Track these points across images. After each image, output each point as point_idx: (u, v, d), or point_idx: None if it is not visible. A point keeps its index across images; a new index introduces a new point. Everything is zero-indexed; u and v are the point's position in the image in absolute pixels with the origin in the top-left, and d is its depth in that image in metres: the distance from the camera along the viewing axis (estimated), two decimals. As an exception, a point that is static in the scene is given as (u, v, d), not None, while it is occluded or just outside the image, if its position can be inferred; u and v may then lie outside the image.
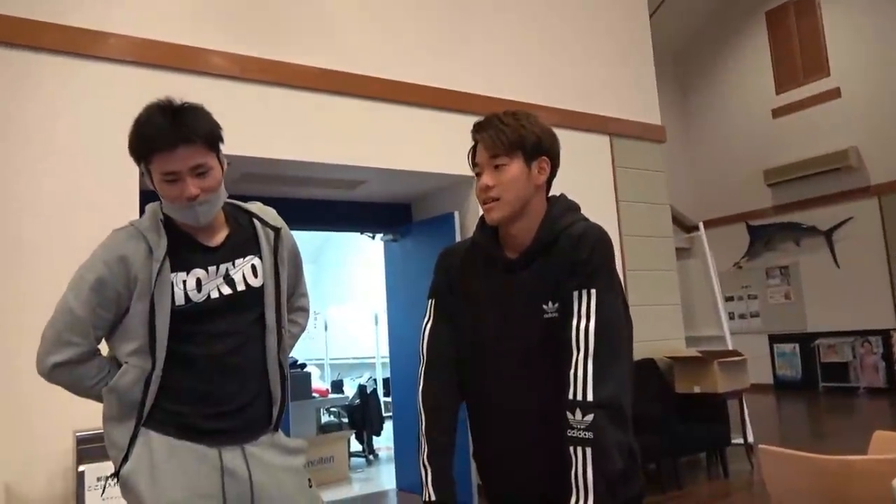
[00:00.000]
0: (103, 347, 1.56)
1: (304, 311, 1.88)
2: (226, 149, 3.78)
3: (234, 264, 1.58)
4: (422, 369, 1.50)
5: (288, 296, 1.77)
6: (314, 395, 6.32)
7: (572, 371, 1.30)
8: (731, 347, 5.51)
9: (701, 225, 6.23)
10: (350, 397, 6.95)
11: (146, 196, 3.35)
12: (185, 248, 1.54)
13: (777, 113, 9.39)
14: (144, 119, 1.47)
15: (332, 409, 6.92)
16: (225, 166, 1.57)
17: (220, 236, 1.60)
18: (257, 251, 1.62)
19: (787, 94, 9.26)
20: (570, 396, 1.29)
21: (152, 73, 3.45)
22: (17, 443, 2.89)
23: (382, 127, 4.15)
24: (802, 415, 7.66)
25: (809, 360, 8.97)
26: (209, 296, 1.54)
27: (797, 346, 9.13)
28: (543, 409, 1.36)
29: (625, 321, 1.39)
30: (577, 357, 1.30)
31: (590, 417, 1.26)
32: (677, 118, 10.10)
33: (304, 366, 6.52)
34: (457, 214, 4.67)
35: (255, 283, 1.60)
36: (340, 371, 9.38)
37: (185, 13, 3.62)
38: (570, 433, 1.28)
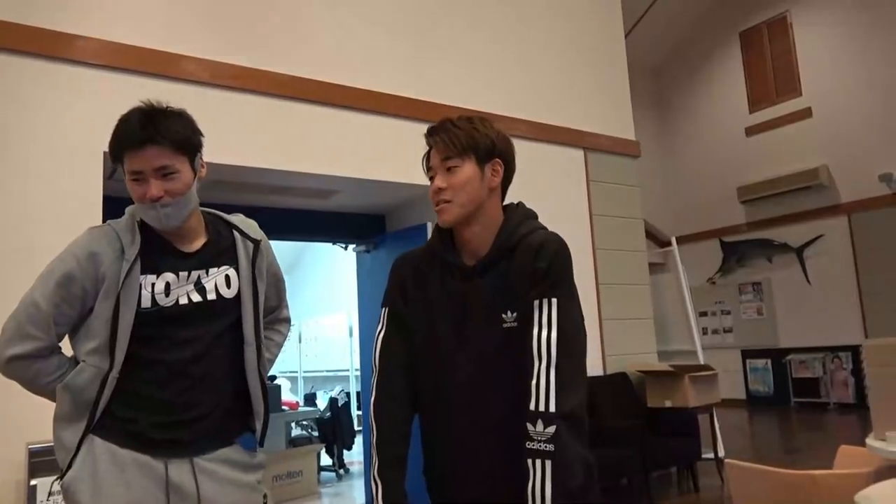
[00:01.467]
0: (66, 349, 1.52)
1: (287, 321, 1.86)
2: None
3: (207, 272, 1.56)
4: (374, 380, 1.46)
5: (271, 309, 1.76)
6: (284, 408, 6.22)
7: (534, 381, 1.27)
8: (702, 362, 5.53)
9: (674, 240, 6.28)
10: (321, 410, 6.86)
11: (109, 200, 3.29)
12: (159, 252, 1.52)
13: (750, 131, 9.54)
14: (123, 119, 1.48)
15: (302, 423, 6.81)
16: (199, 173, 1.54)
17: (197, 243, 1.58)
18: (234, 262, 1.60)
19: (761, 112, 9.42)
20: (532, 407, 1.26)
21: (124, 78, 3.39)
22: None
23: (355, 137, 4.12)
24: (774, 429, 7.72)
25: (781, 375, 9.05)
26: (177, 301, 1.51)
27: (769, 361, 9.22)
28: (501, 420, 1.33)
29: (583, 332, 1.37)
30: (539, 367, 1.28)
31: (552, 429, 1.23)
32: (653, 133, 10.22)
33: (273, 378, 6.42)
34: (430, 225, 4.64)
35: (227, 293, 1.57)
36: (314, 384, 9.26)
37: (158, 18, 3.57)
38: (529, 445, 1.24)
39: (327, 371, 9.48)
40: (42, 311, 1.45)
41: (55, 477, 1.49)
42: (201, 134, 1.56)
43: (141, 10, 3.53)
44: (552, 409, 1.24)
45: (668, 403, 4.80)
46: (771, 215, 9.24)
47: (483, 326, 1.37)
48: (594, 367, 4.95)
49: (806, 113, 8.92)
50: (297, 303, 9.71)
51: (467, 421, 1.37)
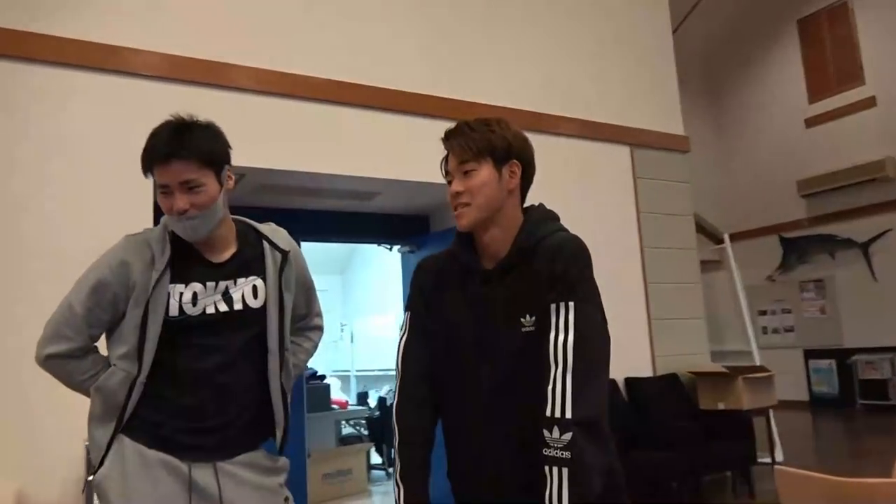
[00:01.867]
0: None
1: (319, 329, 1.89)
2: (241, 161, 3.79)
3: (235, 283, 1.59)
4: (397, 384, 1.47)
5: (301, 317, 1.79)
6: (333, 406, 6.30)
7: (550, 387, 1.25)
8: (758, 363, 5.35)
9: (726, 237, 6.09)
10: (371, 409, 6.93)
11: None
12: (189, 262, 1.57)
13: (810, 122, 9.16)
14: (153, 133, 1.53)
15: (352, 422, 6.90)
16: (227, 185, 1.58)
17: (226, 254, 1.62)
18: (262, 272, 1.63)
19: (821, 102, 9.03)
20: (548, 413, 1.24)
21: (175, 88, 3.50)
22: (30, 450, 2.93)
23: (397, 139, 4.15)
24: (839, 433, 7.39)
25: (846, 376, 8.66)
26: (204, 310, 1.55)
27: (833, 361, 8.82)
28: (520, 425, 1.32)
29: (604, 336, 1.34)
30: (556, 372, 1.25)
31: (568, 436, 1.21)
32: (706, 127, 9.92)
33: (323, 377, 6.52)
34: (473, 226, 4.64)
35: (253, 303, 1.60)
36: (367, 383, 9.36)
37: (205, 29, 3.67)
38: (546, 452, 1.22)
39: (378, 370, 9.57)
40: (76, 314, 1.52)
41: (88, 475, 1.55)
42: (229, 146, 1.60)
43: (189, 22, 3.64)
44: (568, 415, 1.22)
45: (721, 406, 4.66)
46: (833, 210, 8.84)
47: (502, 331, 1.36)
48: (643, 369, 4.85)
49: (870, 102, 8.50)
50: (349, 303, 9.89)
51: (487, 425, 1.36)
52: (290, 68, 3.84)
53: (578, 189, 4.77)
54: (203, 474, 1.53)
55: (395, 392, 1.47)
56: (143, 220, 3.30)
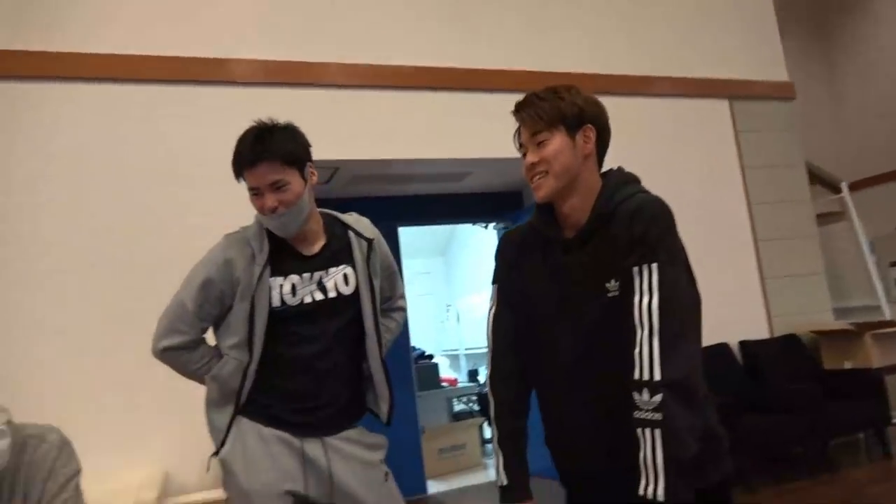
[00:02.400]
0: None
1: (402, 310, 1.99)
2: (335, 154, 3.94)
3: (327, 272, 1.71)
4: (489, 355, 1.51)
5: (385, 299, 1.88)
6: (443, 384, 6.48)
7: (637, 350, 1.24)
8: (888, 317, 4.97)
9: (844, 186, 5.67)
10: (482, 385, 7.06)
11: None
12: (285, 256, 1.69)
13: (938, 50, 8.27)
14: (239, 140, 1.67)
15: (464, 398, 7.06)
16: (310, 181, 1.69)
17: (316, 246, 1.73)
18: (350, 261, 1.74)
19: (952, 28, 8.12)
20: (636, 376, 1.23)
21: (270, 91, 3.69)
22: (172, 438, 3.23)
23: (483, 116, 4.16)
24: None
25: None
26: (302, 301, 1.67)
27: (982, 312, 8.01)
28: (608, 391, 1.32)
29: (691, 297, 1.32)
30: (641, 335, 1.24)
31: (658, 398, 1.20)
32: (817, 68, 9.18)
33: (431, 357, 6.71)
34: (567, 197, 4.59)
35: (345, 290, 1.72)
36: (476, 360, 9.52)
37: (295, 32, 3.82)
38: (637, 415, 1.22)
39: (486, 348, 9.70)
40: (188, 310, 1.68)
41: (211, 454, 1.73)
42: (309, 144, 1.71)
43: (279, 27, 3.80)
44: (657, 377, 1.21)
45: (847, 365, 4.38)
46: (972, 144, 7.97)
47: (586, 298, 1.35)
48: (758, 331, 4.64)
49: None
50: (453, 284, 10.04)
51: (574, 393, 1.38)
52: (374, 60, 3.93)
53: (675, 150, 4.60)
54: (313, 448, 1.67)
55: (488, 363, 1.50)
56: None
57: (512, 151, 4.50)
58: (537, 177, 1.38)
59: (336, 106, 3.81)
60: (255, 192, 1.64)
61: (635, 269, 1.28)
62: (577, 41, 4.51)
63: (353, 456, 1.71)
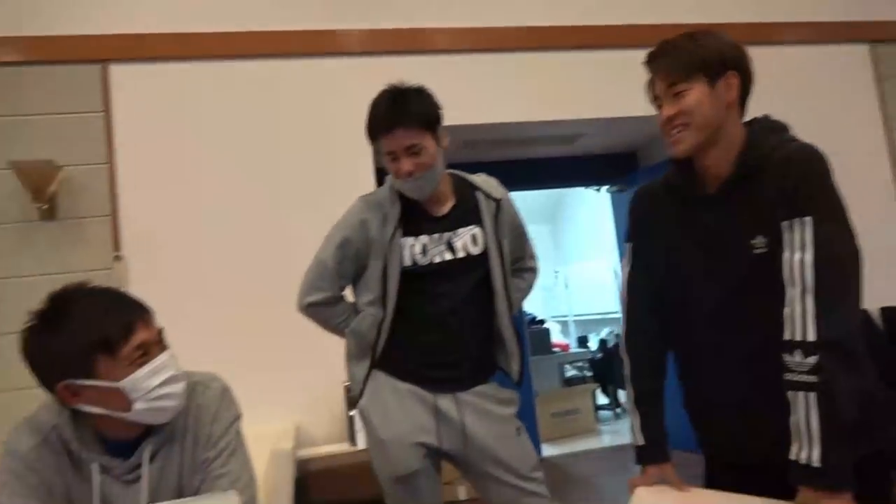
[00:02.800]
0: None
1: (532, 270, 2.00)
2: (445, 120, 3.95)
3: (456, 233, 1.75)
4: (624, 316, 1.47)
5: (515, 259, 1.90)
6: (555, 350, 6.46)
7: (788, 309, 1.17)
8: None
9: None
10: (593, 351, 6.98)
11: (381, 172, 3.71)
12: (415, 217, 1.75)
13: None
14: (373, 105, 1.71)
15: (575, 364, 7.02)
16: (442, 144, 1.73)
17: (446, 207, 1.78)
18: (479, 221, 1.77)
19: None
20: (788, 337, 1.16)
21: (379, 60, 3.76)
22: (304, 392, 3.44)
23: (594, 76, 4.04)
24: None
25: None
26: (433, 260, 1.73)
27: None
28: (755, 353, 1.26)
29: (851, 252, 1.20)
30: (794, 293, 1.17)
31: (813, 359, 1.12)
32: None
33: (542, 322, 6.70)
34: (686, 156, 4.39)
35: (474, 250, 1.75)
36: (585, 327, 9.43)
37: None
38: (789, 377, 1.15)
39: (596, 314, 9.56)
40: (328, 268, 1.78)
41: (350, 403, 1.85)
42: (440, 107, 1.72)
43: (386, -5, 3.85)
44: (811, 337, 1.13)
45: None
46: None
47: (730, 256, 1.28)
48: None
49: None
50: (561, 250, 9.93)
51: (719, 354, 1.32)
52: (481, 22, 3.90)
53: (808, 102, 4.26)
54: (446, 402, 1.73)
55: (623, 323, 1.47)
56: (366, 182, 3.64)
57: (626, 111, 4.35)
58: (675, 130, 1.30)
59: (444, 71, 3.82)
60: (392, 157, 1.69)
61: (786, 223, 1.20)
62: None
63: (485, 410, 1.76)
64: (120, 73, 3.40)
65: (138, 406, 1.12)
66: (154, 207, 3.37)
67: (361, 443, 3.22)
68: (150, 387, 1.13)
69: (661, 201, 1.43)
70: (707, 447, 1.45)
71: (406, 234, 1.73)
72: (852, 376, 1.13)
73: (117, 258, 3.26)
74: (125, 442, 1.19)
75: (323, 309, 1.83)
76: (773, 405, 1.20)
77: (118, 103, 3.38)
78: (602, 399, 6.61)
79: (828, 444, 1.09)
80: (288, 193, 3.56)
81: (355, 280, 1.82)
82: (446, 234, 1.74)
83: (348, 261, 1.77)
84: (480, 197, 1.79)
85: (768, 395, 1.21)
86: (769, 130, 1.31)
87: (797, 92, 4.25)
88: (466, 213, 1.78)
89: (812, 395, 1.11)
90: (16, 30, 3.32)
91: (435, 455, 1.76)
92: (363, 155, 3.64)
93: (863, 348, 1.20)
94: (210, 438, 1.25)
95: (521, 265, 1.96)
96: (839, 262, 1.18)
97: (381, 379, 1.75)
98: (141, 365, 1.13)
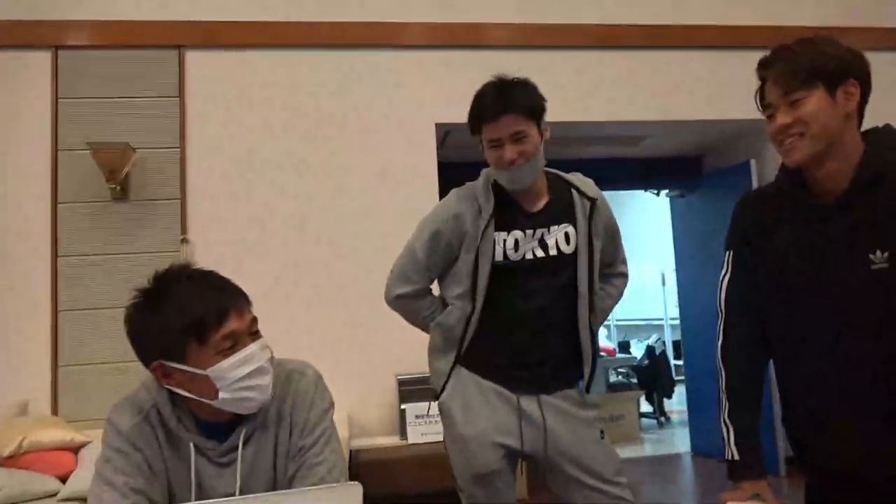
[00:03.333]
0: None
1: (623, 276, 1.95)
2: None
3: (549, 230, 1.72)
4: (721, 324, 1.42)
5: (607, 264, 1.86)
6: (602, 354, 6.38)
7: None
8: None
9: None
10: (638, 358, 6.87)
11: (442, 166, 3.71)
12: (509, 211, 1.72)
13: None
14: (478, 95, 1.70)
15: (619, 369, 6.92)
16: (545, 135, 1.70)
17: (540, 203, 1.74)
18: (572, 220, 1.73)
19: None
20: None
21: (441, 54, 3.73)
22: (356, 382, 3.47)
23: (663, 76, 3.95)
24: None
25: None
26: (524, 256, 1.70)
27: None
28: (872, 368, 1.21)
29: None
30: None
31: None
32: None
33: (589, 325, 6.61)
34: (753, 163, 4.27)
35: (566, 249, 1.72)
36: (627, 332, 9.29)
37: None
38: None
39: (640, 320, 9.41)
40: (419, 260, 1.77)
41: (430, 400, 1.83)
42: (544, 99, 1.70)
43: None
44: None
45: None
46: None
47: (845, 270, 1.23)
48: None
49: None
50: (608, 251, 9.80)
51: (831, 372, 1.27)
52: (545, 19, 3.84)
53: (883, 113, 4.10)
54: (529, 403, 1.70)
55: (719, 333, 1.42)
56: (428, 176, 3.63)
57: (694, 113, 4.22)
58: (791, 139, 1.24)
59: (507, 67, 3.75)
60: (495, 144, 1.66)
61: None
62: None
63: (568, 413, 1.73)
64: (195, 60, 3.46)
65: (223, 395, 1.14)
66: (221, 193, 3.43)
67: (413, 437, 3.23)
68: (235, 377, 1.13)
69: (770, 209, 1.37)
70: (811, 469, 1.39)
71: (499, 228, 1.70)
72: None
73: (185, 241, 3.33)
74: (219, 424, 1.20)
75: (411, 301, 1.81)
76: (890, 425, 1.15)
77: (192, 89, 3.44)
78: (645, 407, 6.51)
79: None
80: (352, 185, 3.58)
81: (443, 273, 1.80)
82: (539, 231, 1.71)
83: (438, 254, 1.76)
84: (575, 195, 1.75)
85: (886, 414, 1.17)
86: (890, 142, 1.26)
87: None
88: (561, 210, 1.73)
89: None
90: (98, 13, 3.40)
91: (514, 456, 1.74)
92: (427, 149, 3.65)
93: None
94: (306, 426, 1.25)
95: (613, 270, 1.91)
96: None
97: (464, 374, 1.73)
98: (228, 355, 1.13)
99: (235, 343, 1.14)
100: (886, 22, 4.19)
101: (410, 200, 3.59)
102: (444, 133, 3.92)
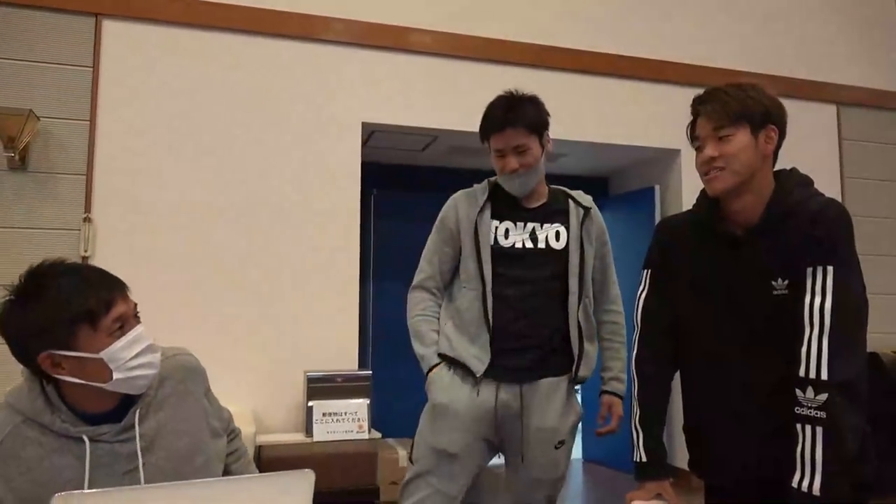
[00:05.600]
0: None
1: (614, 305, 2.01)
2: (429, 124, 3.97)
3: (541, 226, 1.86)
4: (636, 337, 1.55)
5: (600, 277, 1.95)
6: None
7: (804, 348, 1.27)
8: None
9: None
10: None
11: (366, 165, 3.69)
12: (506, 204, 1.88)
13: None
14: (490, 107, 1.87)
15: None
16: (546, 148, 1.86)
17: (537, 203, 1.90)
18: (565, 222, 1.88)
19: None
20: (802, 374, 1.26)
21: (370, 54, 3.73)
22: (262, 380, 3.39)
23: (581, 99, 4.15)
24: None
25: None
26: (514, 245, 1.83)
27: None
28: (765, 387, 1.35)
29: (863, 302, 1.32)
30: (811, 334, 1.27)
31: (823, 396, 1.22)
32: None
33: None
34: (657, 189, 4.55)
35: (556, 245, 1.85)
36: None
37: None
38: (799, 410, 1.25)
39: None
40: (429, 248, 1.94)
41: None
42: (548, 115, 1.87)
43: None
44: (824, 376, 1.23)
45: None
46: None
47: (751, 295, 1.37)
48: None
49: None
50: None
51: (734, 387, 1.40)
52: (474, 31, 3.93)
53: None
54: (507, 392, 1.80)
55: (634, 344, 1.55)
56: (351, 172, 3.62)
57: (606, 137, 4.44)
58: (715, 171, 1.38)
59: (435, 74, 3.84)
60: (500, 154, 1.82)
61: (810, 269, 1.30)
62: (686, 31, 4.42)
63: (550, 401, 1.82)
64: (113, 29, 3.29)
65: (117, 376, 1.16)
66: (131, 171, 3.27)
67: (318, 435, 3.20)
68: (127, 357, 1.16)
69: (685, 234, 1.50)
70: (702, 467, 1.52)
71: (493, 216, 1.85)
72: (856, 415, 1.23)
73: (87, 219, 3.15)
74: (106, 413, 1.21)
75: (420, 293, 1.94)
76: (778, 439, 1.29)
77: (108, 60, 3.27)
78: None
79: (828, 476, 1.19)
80: (271, 176, 3.51)
81: (455, 269, 1.91)
82: (531, 225, 1.85)
83: (444, 241, 1.90)
84: (571, 203, 1.90)
85: (776, 427, 1.30)
86: (799, 183, 1.41)
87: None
88: (555, 212, 1.89)
89: (819, 429, 1.21)
90: (7, -31, 3.17)
91: (485, 447, 1.84)
92: (352, 146, 3.63)
93: (865, 389, 1.29)
94: (212, 405, 1.36)
95: (609, 291, 1.98)
96: (854, 309, 1.28)
97: (443, 369, 1.85)
98: (119, 336, 1.16)
99: (123, 325, 1.18)
100: (780, 71, 4.60)
101: (330, 196, 3.57)
102: (370, 133, 3.93)
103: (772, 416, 1.33)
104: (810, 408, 1.23)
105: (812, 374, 1.24)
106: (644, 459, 1.46)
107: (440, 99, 3.83)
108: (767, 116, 1.37)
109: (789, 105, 4.54)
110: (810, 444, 1.22)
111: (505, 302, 1.80)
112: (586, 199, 1.93)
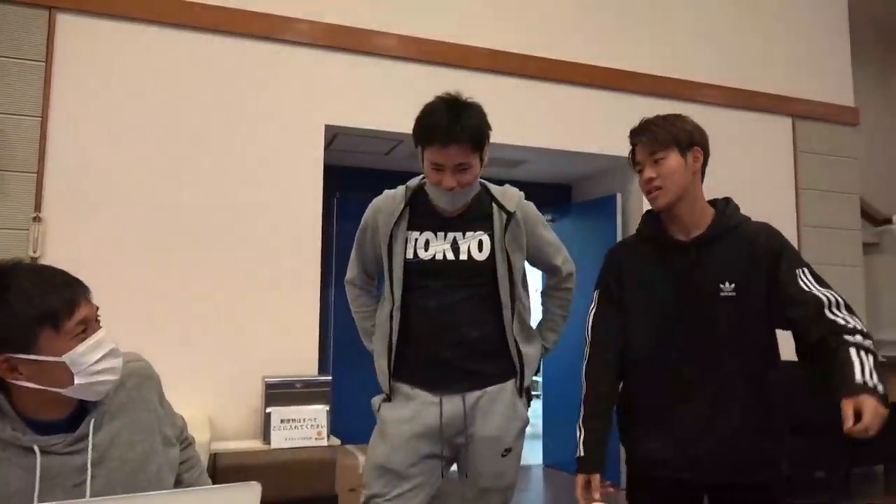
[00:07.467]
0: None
1: (569, 276, 1.96)
2: (397, 127, 3.94)
3: (463, 235, 1.77)
4: (587, 348, 1.69)
5: (547, 270, 1.94)
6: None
7: (829, 311, 1.47)
8: (923, 354, 4.95)
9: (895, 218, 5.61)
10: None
11: (328, 168, 3.65)
12: (425, 213, 1.77)
13: None
14: (428, 112, 1.69)
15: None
16: (485, 162, 1.75)
17: (459, 210, 1.78)
18: (489, 229, 1.78)
19: None
20: (842, 323, 1.44)
21: (335, 56, 3.71)
22: (218, 385, 3.32)
23: (545, 106, 4.18)
24: None
25: None
26: (434, 256, 1.75)
27: None
28: (723, 385, 1.52)
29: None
30: (829, 303, 1.48)
31: (868, 341, 1.41)
32: (880, 99, 9.05)
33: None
34: (619, 196, 4.61)
35: (478, 256, 1.77)
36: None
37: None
38: (851, 338, 1.41)
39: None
40: (355, 250, 1.91)
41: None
42: (490, 127, 1.73)
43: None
44: (859, 327, 1.44)
45: (877, 397, 4.37)
46: None
47: (701, 296, 1.56)
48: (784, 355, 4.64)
49: None
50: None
51: (690, 387, 1.55)
52: (439, 35, 3.92)
53: (732, 162, 4.59)
54: (451, 403, 1.75)
55: (585, 354, 1.69)
56: (313, 175, 3.57)
57: (569, 145, 4.48)
58: (655, 190, 1.61)
59: (398, 78, 3.82)
60: (437, 168, 1.67)
61: (796, 271, 1.55)
62: (649, 42, 4.50)
63: (491, 410, 1.78)
64: (67, 24, 3.18)
65: (79, 381, 1.11)
66: (84, 170, 3.17)
67: (276, 441, 3.14)
68: (90, 362, 1.12)
69: (637, 252, 1.70)
70: (636, 460, 1.66)
71: (412, 227, 1.76)
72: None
73: (37, 219, 3.04)
74: (58, 422, 1.16)
75: (350, 288, 1.96)
76: (729, 437, 1.48)
77: (61, 56, 3.16)
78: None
79: (880, 377, 1.37)
80: (230, 176, 3.44)
81: (379, 272, 1.89)
82: (451, 234, 1.76)
83: (366, 246, 1.87)
84: (495, 207, 1.79)
85: (730, 426, 1.49)
86: (735, 209, 1.68)
87: (725, 151, 4.55)
88: (477, 218, 1.79)
89: (870, 356, 1.41)
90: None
91: (435, 462, 1.77)
92: (314, 148, 3.59)
93: None
94: (165, 412, 1.32)
95: (557, 281, 1.94)
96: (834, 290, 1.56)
97: (400, 386, 1.80)
98: (82, 340, 1.12)
99: (86, 329, 1.14)
100: (740, 84, 4.70)
101: (291, 197, 3.52)
102: (333, 135, 3.89)
103: (723, 415, 1.51)
104: (859, 343, 1.41)
105: (851, 326, 1.45)
106: (582, 455, 1.59)
107: (404, 103, 3.78)
108: (692, 140, 1.62)
109: (748, 117, 4.72)
110: (863, 360, 1.38)
111: (427, 314, 1.74)
112: (510, 201, 1.80)
